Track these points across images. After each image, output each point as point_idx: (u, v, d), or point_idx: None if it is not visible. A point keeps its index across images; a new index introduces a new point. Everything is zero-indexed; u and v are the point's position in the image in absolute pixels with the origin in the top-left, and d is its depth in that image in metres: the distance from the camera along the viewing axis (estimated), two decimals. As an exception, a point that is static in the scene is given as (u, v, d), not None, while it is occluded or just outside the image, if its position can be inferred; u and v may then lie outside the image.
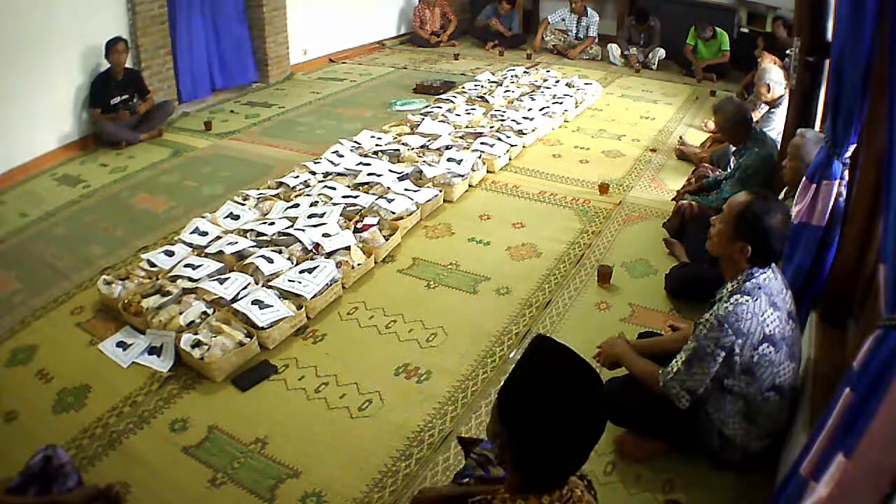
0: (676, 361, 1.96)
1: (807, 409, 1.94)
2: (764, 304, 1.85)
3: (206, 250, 3.33)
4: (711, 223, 2.02)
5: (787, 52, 4.83)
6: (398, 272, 3.32)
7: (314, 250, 3.28)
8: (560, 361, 1.14)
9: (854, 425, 1.16)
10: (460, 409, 2.43)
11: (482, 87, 6.09)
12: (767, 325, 1.85)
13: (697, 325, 1.94)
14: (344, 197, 3.81)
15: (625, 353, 2.17)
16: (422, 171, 4.16)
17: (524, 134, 4.89)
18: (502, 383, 1.16)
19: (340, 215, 3.60)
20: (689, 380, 1.92)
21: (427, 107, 5.59)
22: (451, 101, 5.62)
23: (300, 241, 3.31)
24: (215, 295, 2.91)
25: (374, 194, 3.86)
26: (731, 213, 1.92)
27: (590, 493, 1.25)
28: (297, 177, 4.15)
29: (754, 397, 1.92)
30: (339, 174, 4.20)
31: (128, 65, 4.97)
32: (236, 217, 3.68)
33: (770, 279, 1.89)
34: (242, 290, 2.95)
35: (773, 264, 1.94)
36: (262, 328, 2.74)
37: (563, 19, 7.76)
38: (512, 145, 4.68)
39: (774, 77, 4.08)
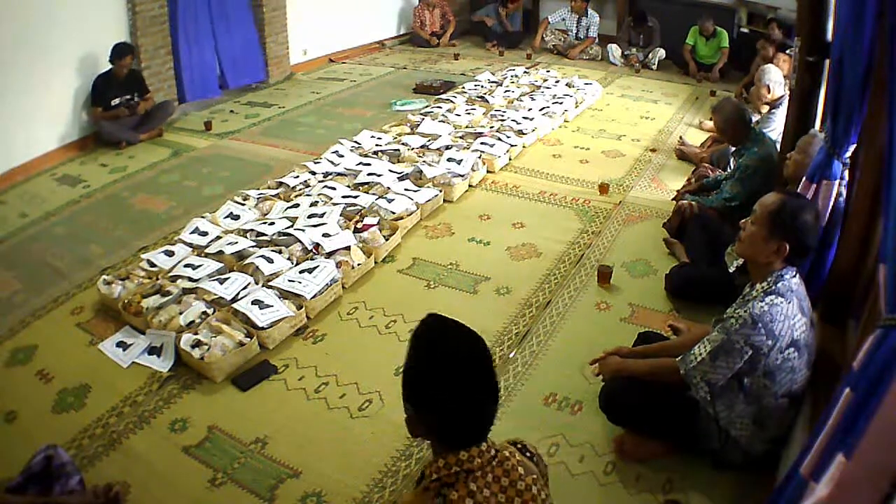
0: (700, 351, 1.94)
1: (807, 409, 1.94)
2: (795, 307, 1.84)
3: (206, 250, 3.32)
4: (741, 226, 1.97)
5: (787, 52, 4.84)
6: (398, 272, 3.32)
7: (314, 250, 3.28)
8: (446, 334, 1.23)
9: (854, 425, 1.16)
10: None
11: (482, 87, 6.09)
12: (796, 330, 1.84)
13: (727, 320, 1.91)
14: (344, 197, 3.81)
15: (623, 365, 2.16)
16: (422, 171, 4.16)
17: (524, 134, 4.89)
18: (403, 366, 1.24)
19: (340, 215, 3.60)
20: (711, 372, 1.91)
21: (427, 107, 5.59)
22: (451, 101, 5.62)
23: (300, 241, 3.30)
24: (215, 295, 2.91)
25: (374, 194, 3.86)
26: (764, 212, 1.88)
27: (524, 455, 1.33)
28: (297, 177, 4.16)
29: (768, 401, 1.91)
30: (339, 174, 4.20)
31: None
32: (236, 217, 3.68)
33: (799, 283, 1.89)
34: (242, 290, 2.95)
35: (797, 271, 1.92)
36: (262, 328, 2.74)
37: (564, 19, 7.75)
38: (512, 145, 4.68)
39: (775, 77, 4.08)
